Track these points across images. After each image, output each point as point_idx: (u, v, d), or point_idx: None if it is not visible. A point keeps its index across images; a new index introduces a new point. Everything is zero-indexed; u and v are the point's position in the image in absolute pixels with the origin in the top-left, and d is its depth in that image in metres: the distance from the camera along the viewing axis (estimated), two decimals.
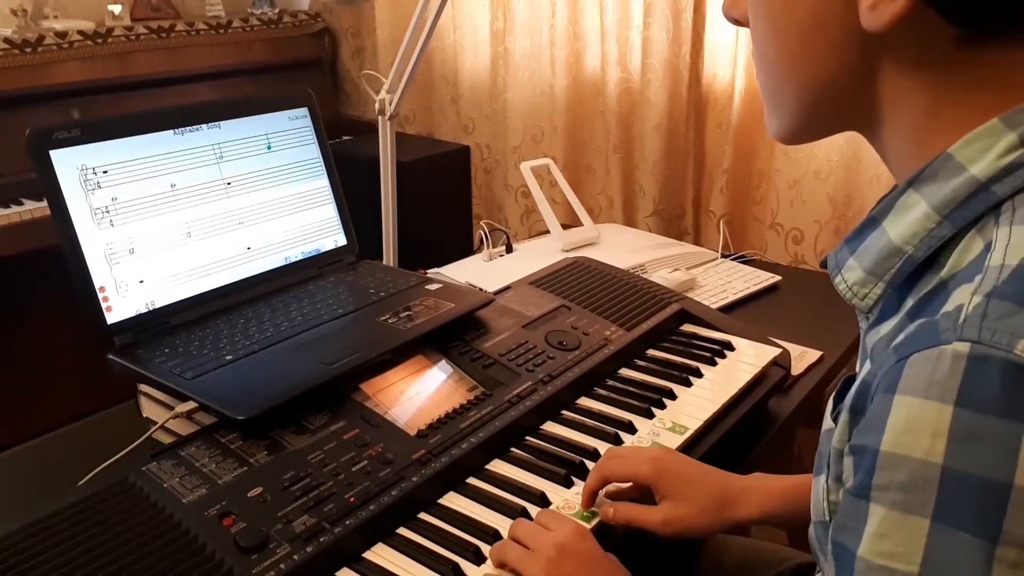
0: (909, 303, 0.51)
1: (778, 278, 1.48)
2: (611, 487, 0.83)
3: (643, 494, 0.83)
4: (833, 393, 0.58)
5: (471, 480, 0.85)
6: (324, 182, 1.19)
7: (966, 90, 0.50)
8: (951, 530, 0.42)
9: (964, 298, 0.45)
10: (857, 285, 0.54)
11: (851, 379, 0.55)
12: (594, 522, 0.80)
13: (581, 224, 1.62)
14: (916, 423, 0.43)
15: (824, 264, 0.58)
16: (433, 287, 1.13)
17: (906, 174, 0.53)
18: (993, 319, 0.43)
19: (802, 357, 1.18)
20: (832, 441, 0.53)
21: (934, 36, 0.49)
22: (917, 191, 0.51)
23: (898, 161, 0.55)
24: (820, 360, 1.19)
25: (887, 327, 0.52)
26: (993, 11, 0.47)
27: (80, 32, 2.35)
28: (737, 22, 0.59)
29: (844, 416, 0.51)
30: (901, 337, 0.48)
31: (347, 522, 0.75)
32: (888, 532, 0.45)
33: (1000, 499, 0.41)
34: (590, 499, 0.81)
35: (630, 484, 0.83)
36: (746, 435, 1.01)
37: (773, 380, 1.07)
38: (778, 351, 1.11)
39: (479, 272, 1.43)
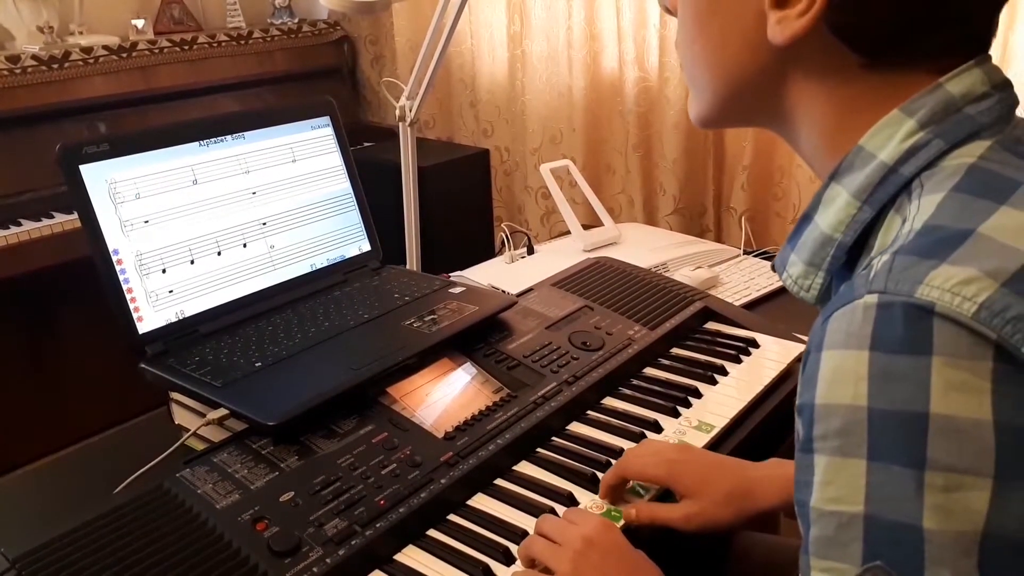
0: None
1: None
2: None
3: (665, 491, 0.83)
4: None
5: (499, 481, 0.86)
6: (347, 189, 1.20)
7: (870, 102, 0.54)
8: (884, 465, 0.45)
9: (876, 261, 0.49)
10: (800, 277, 0.58)
11: None
12: (622, 522, 0.80)
13: (602, 224, 1.63)
14: (841, 372, 0.47)
15: (773, 267, 0.62)
16: (456, 290, 1.14)
17: (824, 170, 0.57)
18: (897, 271, 0.46)
19: None
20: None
21: (840, 59, 0.54)
22: (838, 183, 0.56)
23: (815, 159, 0.60)
24: None
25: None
26: (894, 45, 0.52)
27: (105, 47, 2.39)
28: (669, 11, 0.64)
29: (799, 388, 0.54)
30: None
31: (378, 525, 0.76)
32: (832, 478, 0.47)
33: (920, 429, 0.44)
34: (608, 493, 0.82)
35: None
36: (773, 432, 1.01)
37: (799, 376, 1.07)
38: (803, 347, 1.10)
39: (501, 274, 1.44)
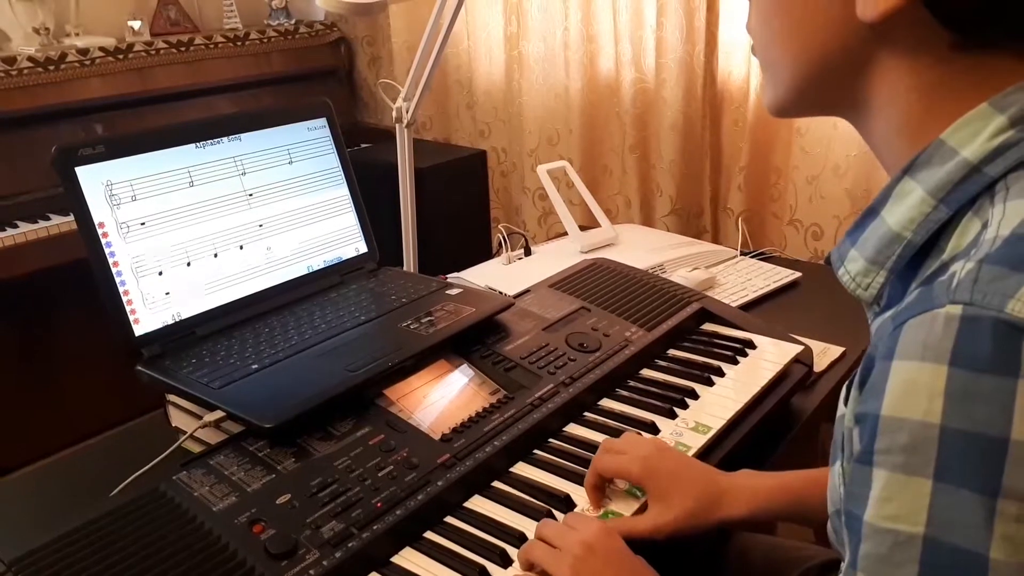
0: (913, 288, 0.51)
1: (798, 275, 1.47)
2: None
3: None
4: (846, 383, 0.59)
5: (496, 483, 0.86)
6: (344, 191, 1.20)
7: (958, 91, 0.51)
8: (953, 488, 0.43)
9: (958, 267, 0.46)
10: (860, 275, 0.55)
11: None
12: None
13: (599, 225, 1.63)
14: (913, 385, 0.44)
15: (828, 260, 0.59)
16: (453, 292, 1.14)
17: (897, 163, 0.54)
18: (984, 282, 0.44)
19: (824, 353, 1.18)
20: (844, 422, 0.54)
21: (931, 38, 0.50)
22: (913, 178, 0.52)
23: (889, 150, 0.56)
24: (842, 356, 1.19)
25: (892, 314, 0.53)
26: (989, 21, 0.48)
27: (101, 48, 2.39)
28: None
29: (853, 394, 0.52)
30: (899, 307, 0.49)
31: (375, 527, 0.76)
32: (892, 495, 0.45)
33: (998, 454, 0.42)
34: (594, 497, 0.82)
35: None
36: (770, 433, 1.01)
37: (796, 377, 1.07)
38: (800, 348, 1.10)
39: (498, 275, 1.44)
